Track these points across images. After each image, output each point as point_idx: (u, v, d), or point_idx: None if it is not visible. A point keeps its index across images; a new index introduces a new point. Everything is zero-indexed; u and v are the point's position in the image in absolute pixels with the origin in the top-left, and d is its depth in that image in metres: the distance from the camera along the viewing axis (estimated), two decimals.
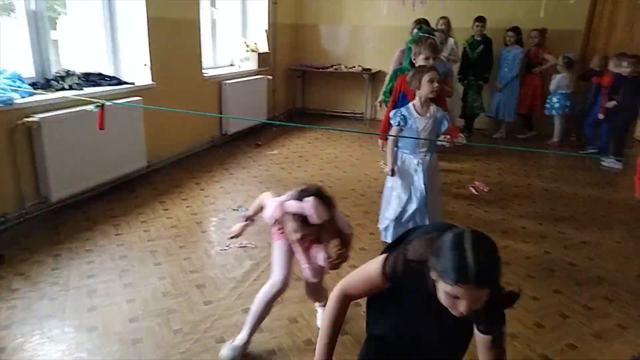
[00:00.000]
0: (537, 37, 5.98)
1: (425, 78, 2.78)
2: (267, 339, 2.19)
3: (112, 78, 4.14)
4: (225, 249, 3.04)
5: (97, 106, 2.43)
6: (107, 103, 2.49)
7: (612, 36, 6.17)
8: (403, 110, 2.89)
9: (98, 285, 2.58)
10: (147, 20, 4.24)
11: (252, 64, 6.21)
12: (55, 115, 3.32)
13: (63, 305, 2.38)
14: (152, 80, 4.35)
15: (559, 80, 5.83)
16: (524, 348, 2.17)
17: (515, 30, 5.96)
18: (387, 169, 2.99)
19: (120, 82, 4.13)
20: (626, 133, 5.38)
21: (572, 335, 2.26)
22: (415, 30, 4.53)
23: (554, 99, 5.94)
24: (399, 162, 2.98)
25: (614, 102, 5.12)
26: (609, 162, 5.13)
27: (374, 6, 6.84)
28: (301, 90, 7.63)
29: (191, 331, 2.23)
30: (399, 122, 2.87)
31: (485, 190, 4.28)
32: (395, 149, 2.99)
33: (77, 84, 3.73)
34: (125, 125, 3.95)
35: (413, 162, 2.94)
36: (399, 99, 3.34)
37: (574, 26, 6.13)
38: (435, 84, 2.77)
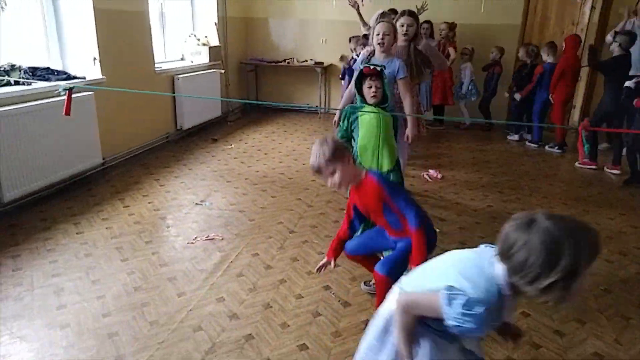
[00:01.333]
0: (444, 30, 6.15)
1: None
2: (244, 325, 2.25)
3: (60, 72, 4.00)
4: (192, 242, 3.06)
5: (65, 89, 2.37)
6: (76, 87, 2.42)
7: (545, 29, 6.61)
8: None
9: (65, 283, 2.53)
10: (94, 12, 4.12)
11: (203, 58, 6.14)
12: (6, 110, 3.19)
13: (30, 305, 2.33)
14: (102, 75, 4.23)
15: (469, 69, 6.33)
16: None
17: (429, 22, 5.98)
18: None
19: (70, 77, 3.99)
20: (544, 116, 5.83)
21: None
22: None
23: (465, 87, 6.40)
24: None
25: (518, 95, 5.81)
26: (549, 148, 5.57)
27: (323, 0, 6.93)
28: (254, 84, 7.62)
29: (167, 322, 2.25)
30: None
31: (438, 177, 4.50)
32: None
33: (24, 78, 3.57)
34: (78, 121, 3.83)
35: None
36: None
37: (511, 21, 6.51)
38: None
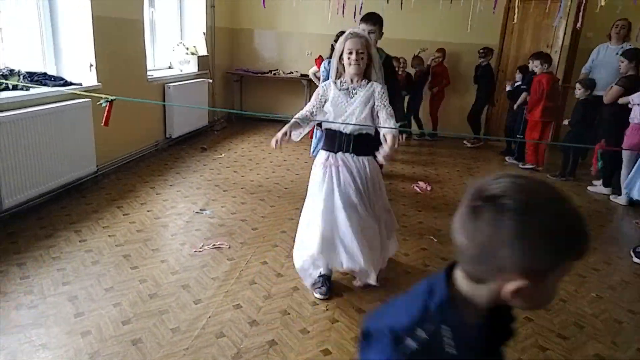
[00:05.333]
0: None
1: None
2: (265, 331, 2.30)
3: (57, 78, 3.94)
4: (200, 250, 3.07)
5: (107, 101, 2.37)
6: (117, 98, 2.43)
7: (521, 50, 6.97)
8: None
9: (77, 291, 2.50)
10: (92, 19, 4.10)
11: (192, 67, 6.15)
12: (6, 116, 3.13)
13: (45, 313, 2.30)
14: (98, 81, 4.20)
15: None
16: None
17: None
18: None
19: (67, 83, 3.94)
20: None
21: None
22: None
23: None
24: None
25: None
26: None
27: (310, 13, 7.07)
28: (239, 95, 7.66)
29: (189, 329, 2.26)
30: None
31: (428, 189, 4.66)
32: None
33: (23, 83, 3.52)
34: (75, 129, 3.79)
35: None
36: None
37: (491, 41, 6.83)
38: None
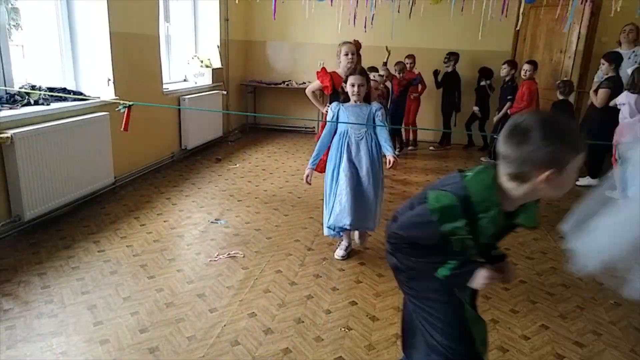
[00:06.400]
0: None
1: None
2: (280, 339, 2.32)
3: (76, 92, 4.06)
4: (215, 260, 3.11)
5: (125, 106, 2.45)
6: (135, 104, 2.51)
7: (534, 56, 6.93)
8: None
9: (96, 300, 2.56)
10: (110, 35, 4.22)
11: (206, 80, 6.25)
12: (29, 130, 3.23)
13: (65, 321, 2.35)
14: (116, 95, 4.30)
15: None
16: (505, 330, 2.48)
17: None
18: None
19: (85, 98, 4.05)
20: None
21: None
22: None
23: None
24: None
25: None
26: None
27: (321, 24, 7.13)
28: (253, 106, 7.75)
29: (204, 337, 2.30)
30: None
31: None
32: None
33: (44, 99, 3.63)
34: (93, 142, 3.89)
35: None
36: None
37: (504, 48, 6.82)
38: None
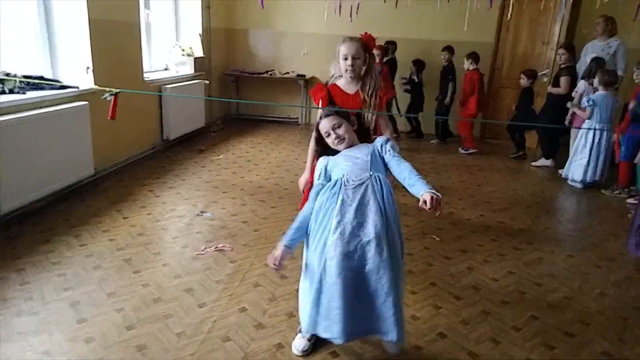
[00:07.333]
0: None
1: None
2: (272, 334, 2.27)
3: (53, 81, 3.90)
4: (202, 253, 3.04)
5: (112, 94, 2.35)
6: (122, 91, 2.41)
7: (517, 47, 6.98)
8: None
9: (79, 296, 2.47)
10: (89, 22, 4.06)
11: (188, 69, 6.11)
12: (4, 120, 3.10)
13: (47, 319, 2.26)
14: (95, 84, 4.15)
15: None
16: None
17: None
18: None
19: (64, 86, 3.90)
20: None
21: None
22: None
23: None
24: None
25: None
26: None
27: (306, 13, 7.02)
28: (236, 96, 7.62)
29: (194, 333, 2.24)
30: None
31: None
32: None
33: (20, 87, 3.47)
34: (72, 132, 3.75)
35: None
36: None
37: (487, 39, 6.83)
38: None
